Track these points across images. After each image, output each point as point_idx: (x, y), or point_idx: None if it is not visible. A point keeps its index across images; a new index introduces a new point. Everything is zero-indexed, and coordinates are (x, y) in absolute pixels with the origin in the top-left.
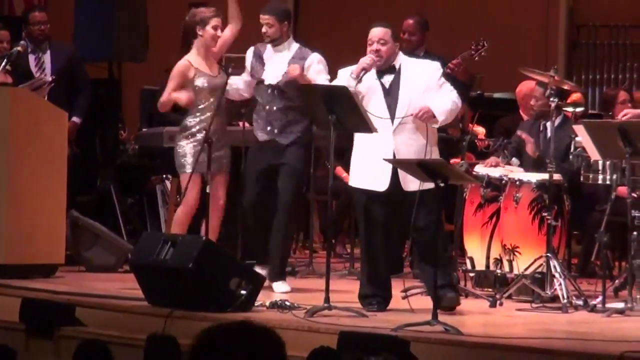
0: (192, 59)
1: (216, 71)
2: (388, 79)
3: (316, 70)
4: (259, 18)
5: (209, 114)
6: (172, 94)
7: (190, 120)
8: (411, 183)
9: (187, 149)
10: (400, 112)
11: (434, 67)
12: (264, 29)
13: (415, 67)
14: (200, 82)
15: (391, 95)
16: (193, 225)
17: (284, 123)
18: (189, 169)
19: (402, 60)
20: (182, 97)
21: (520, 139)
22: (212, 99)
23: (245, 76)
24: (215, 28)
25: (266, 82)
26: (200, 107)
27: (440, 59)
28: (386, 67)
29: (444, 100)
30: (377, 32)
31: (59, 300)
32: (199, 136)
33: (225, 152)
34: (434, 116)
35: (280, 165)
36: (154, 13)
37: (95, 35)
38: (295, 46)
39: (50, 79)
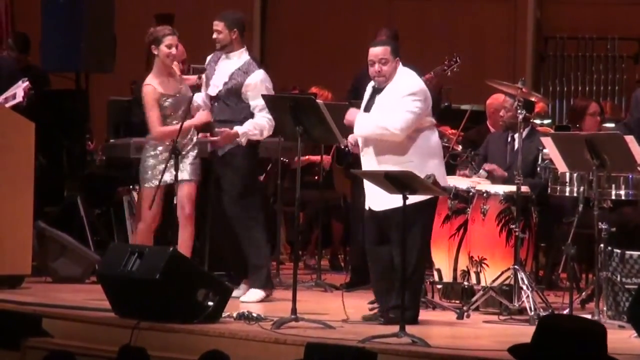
0: (153, 81)
1: (177, 87)
2: (376, 96)
3: (256, 91)
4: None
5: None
6: (187, 123)
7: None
8: (371, 203)
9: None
10: None
11: (401, 89)
12: (214, 35)
13: (394, 85)
14: (167, 103)
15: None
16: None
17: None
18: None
19: (396, 77)
20: (202, 118)
21: (486, 151)
22: (179, 112)
23: (203, 92)
24: (169, 47)
25: (209, 92)
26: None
27: (414, 69)
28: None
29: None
30: (377, 52)
31: (25, 311)
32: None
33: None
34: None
35: (220, 176)
36: (121, 24)
37: (62, 46)
38: (245, 58)
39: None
